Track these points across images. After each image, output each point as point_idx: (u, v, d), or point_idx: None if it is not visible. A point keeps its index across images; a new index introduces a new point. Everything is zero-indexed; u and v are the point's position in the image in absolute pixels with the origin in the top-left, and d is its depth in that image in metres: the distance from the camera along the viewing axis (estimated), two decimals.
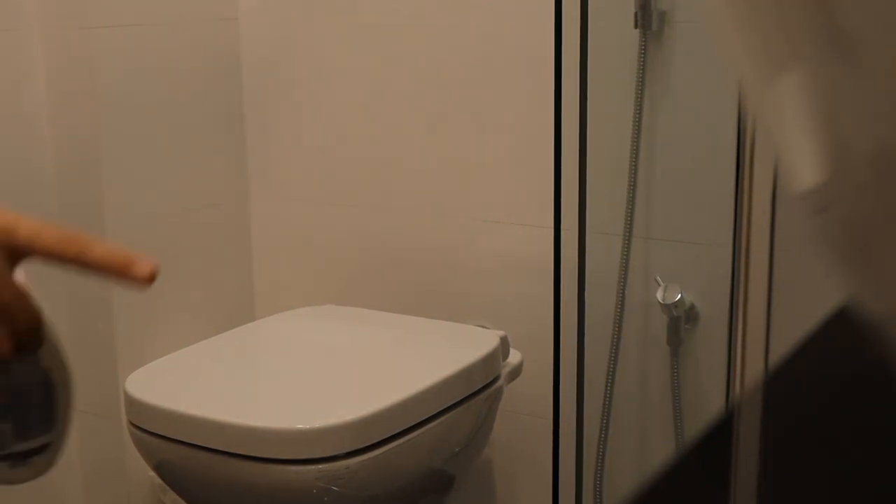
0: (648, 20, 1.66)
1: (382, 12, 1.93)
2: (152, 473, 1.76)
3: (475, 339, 1.79)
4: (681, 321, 1.71)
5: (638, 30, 1.67)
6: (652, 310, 1.73)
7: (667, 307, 1.70)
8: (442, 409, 1.63)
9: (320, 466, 1.50)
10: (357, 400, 1.58)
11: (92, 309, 1.88)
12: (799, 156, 0.39)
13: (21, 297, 0.83)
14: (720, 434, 0.71)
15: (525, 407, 1.89)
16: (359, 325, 1.92)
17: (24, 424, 0.92)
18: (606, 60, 1.65)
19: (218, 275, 2.09)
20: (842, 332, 0.74)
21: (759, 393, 0.83)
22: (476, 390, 1.70)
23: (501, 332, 1.81)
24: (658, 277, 1.72)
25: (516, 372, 1.83)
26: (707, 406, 1.72)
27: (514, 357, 1.83)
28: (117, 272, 0.82)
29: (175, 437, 1.58)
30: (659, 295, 1.70)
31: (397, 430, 1.56)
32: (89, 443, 1.97)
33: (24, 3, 1.81)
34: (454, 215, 1.93)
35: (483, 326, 1.88)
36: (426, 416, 1.61)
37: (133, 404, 1.64)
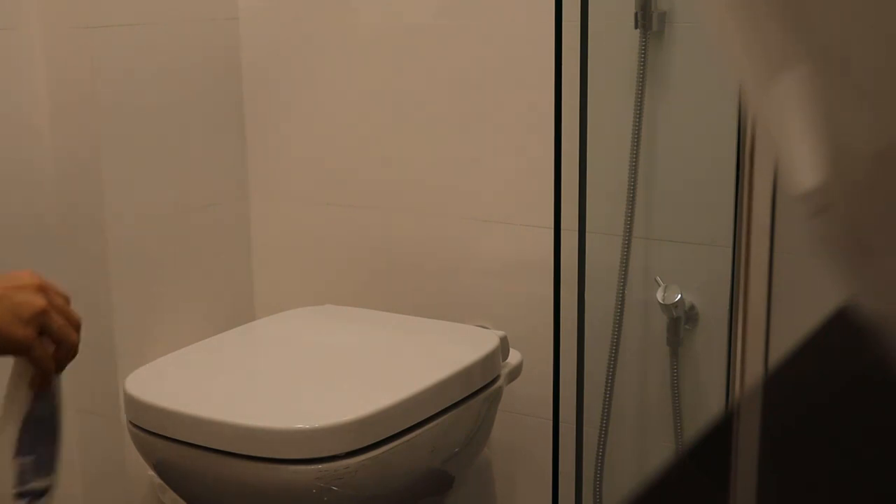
0: (648, 20, 1.66)
1: (382, 12, 1.93)
2: (152, 473, 1.76)
3: (475, 339, 1.79)
4: (681, 321, 1.71)
5: (638, 30, 1.67)
6: (652, 310, 1.73)
7: (667, 307, 1.70)
8: (441, 409, 1.63)
9: (320, 466, 1.50)
10: (357, 400, 1.58)
11: (92, 309, 1.88)
12: (799, 156, 0.39)
13: (75, 332, 0.98)
14: (720, 434, 0.71)
15: (525, 407, 1.89)
16: (359, 325, 1.92)
17: (41, 461, 0.97)
18: (606, 60, 1.65)
19: (218, 275, 2.09)
20: (842, 332, 0.74)
21: (759, 393, 0.83)
22: (476, 390, 1.70)
23: (501, 333, 1.81)
24: (658, 277, 1.72)
25: (516, 372, 1.83)
26: (707, 406, 1.72)
27: (514, 357, 1.83)
28: None
29: (175, 437, 1.58)
30: (659, 295, 1.70)
31: (397, 430, 1.56)
32: (89, 442, 1.97)
33: (24, 3, 1.81)
34: (454, 215, 1.93)
35: (483, 326, 1.88)
36: (426, 417, 1.61)
37: (133, 404, 1.64)
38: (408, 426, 1.58)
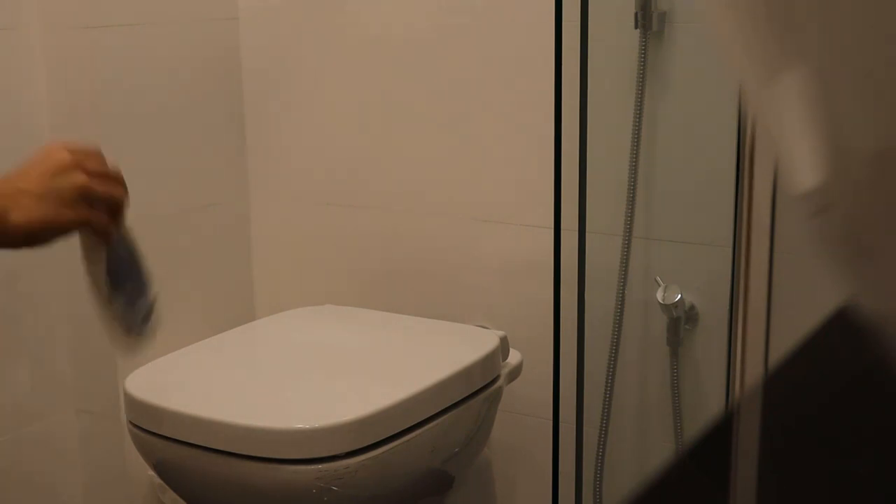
0: (648, 20, 1.66)
1: (382, 12, 1.93)
2: (152, 473, 1.76)
3: (475, 339, 1.79)
4: (680, 321, 1.71)
5: (638, 30, 1.67)
6: (652, 310, 1.73)
7: (667, 307, 1.70)
8: (441, 409, 1.63)
9: (320, 466, 1.50)
10: (357, 400, 1.58)
11: (92, 308, 1.88)
12: (799, 156, 0.39)
13: (119, 185, 1.11)
14: (720, 434, 0.71)
15: (525, 407, 1.89)
16: (359, 325, 1.92)
17: (137, 285, 1.08)
18: (606, 60, 1.65)
19: (218, 275, 2.09)
20: (842, 332, 0.74)
21: (759, 393, 0.83)
22: (476, 390, 1.70)
23: (501, 333, 1.81)
24: (658, 277, 1.72)
25: (516, 372, 1.83)
26: (707, 406, 1.72)
27: (514, 357, 1.83)
28: None
29: (175, 437, 1.58)
30: (659, 295, 1.70)
31: (397, 430, 1.56)
32: (89, 442, 1.97)
33: (24, 3, 1.81)
34: (454, 215, 1.93)
35: (483, 326, 1.88)
36: (426, 417, 1.61)
37: (133, 404, 1.64)
38: (408, 426, 1.58)
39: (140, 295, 1.13)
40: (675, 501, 0.63)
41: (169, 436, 1.59)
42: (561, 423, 1.60)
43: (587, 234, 1.56)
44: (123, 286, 1.11)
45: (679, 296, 1.69)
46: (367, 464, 1.52)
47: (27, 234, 1.04)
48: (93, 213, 1.08)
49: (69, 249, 1.96)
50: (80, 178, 1.07)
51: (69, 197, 1.06)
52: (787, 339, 0.79)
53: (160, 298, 1.15)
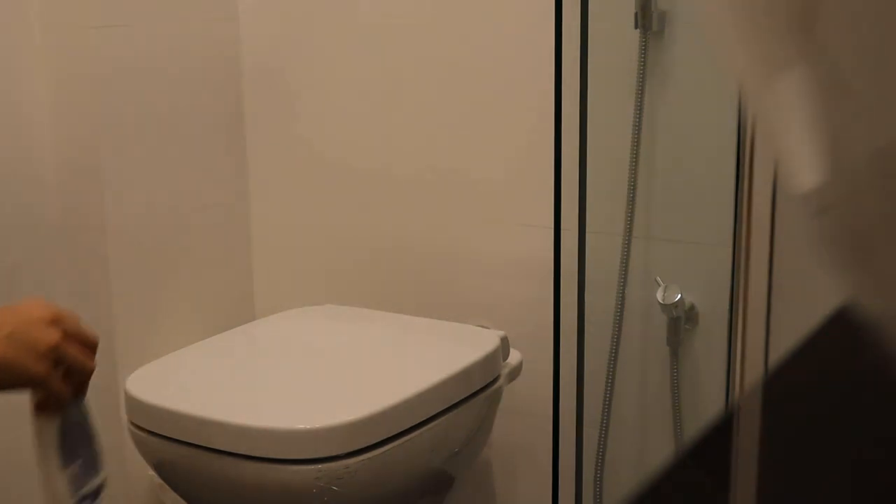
0: (648, 20, 1.66)
1: (382, 12, 1.93)
2: (152, 473, 1.76)
3: (475, 339, 1.79)
4: (680, 321, 1.71)
5: (638, 30, 1.67)
6: (652, 310, 1.73)
7: (667, 307, 1.70)
8: (442, 409, 1.63)
9: (320, 466, 1.50)
10: (357, 400, 1.58)
11: (92, 308, 1.88)
12: (799, 157, 0.39)
13: (91, 354, 1.01)
14: (720, 434, 0.71)
15: (525, 407, 1.89)
16: (359, 325, 1.92)
17: (88, 461, 1.02)
18: (606, 60, 1.65)
19: (218, 275, 2.09)
20: (842, 332, 0.74)
21: (759, 393, 0.83)
22: (476, 390, 1.70)
23: (501, 332, 1.81)
24: (658, 277, 1.72)
25: (516, 372, 1.83)
26: (707, 406, 1.72)
27: (514, 357, 1.83)
28: None
29: (175, 437, 1.58)
30: (659, 295, 1.70)
31: (397, 431, 1.56)
32: None
33: (24, 3, 1.81)
34: (454, 215, 1.93)
35: (483, 326, 1.88)
36: (426, 417, 1.61)
37: (133, 404, 1.64)
38: (408, 426, 1.58)
39: (89, 474, 1.07)
40: (675, 501, 0.63)
41: (169, 436, 1.59)
42: (561, 423, 1.60)
43: (587, 234, 1.56)
44: (73, 460, 1.06)
45: (679, 296, 1.69)
46: (367, 464, 1.52)
47: None
48: (54, 373, 1.04)
49: (70, 247, 1.96)
50: (54, 336, 1.03)
51: (39, 350, 1.02)
52: (787, 339, 0.79)
53: (108, 479, 1.08)
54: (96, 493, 1.07)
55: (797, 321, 0.81)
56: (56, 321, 1.04)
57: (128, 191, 1.89)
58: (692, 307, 1.72)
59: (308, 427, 1.52)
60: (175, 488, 1.70)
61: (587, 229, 1.56)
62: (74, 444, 1.06)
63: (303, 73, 2.03)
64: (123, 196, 1.89)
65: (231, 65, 2.06)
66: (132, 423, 1.64)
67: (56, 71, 1.84)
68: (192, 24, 1.97)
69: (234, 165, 2.09)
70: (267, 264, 2.15)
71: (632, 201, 1.72)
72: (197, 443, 1.56)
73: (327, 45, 1.99)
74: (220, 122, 2.06)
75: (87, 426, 1.07)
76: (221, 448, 1.54)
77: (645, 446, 1.83)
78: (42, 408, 1.07)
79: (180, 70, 1.96)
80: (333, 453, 1.50)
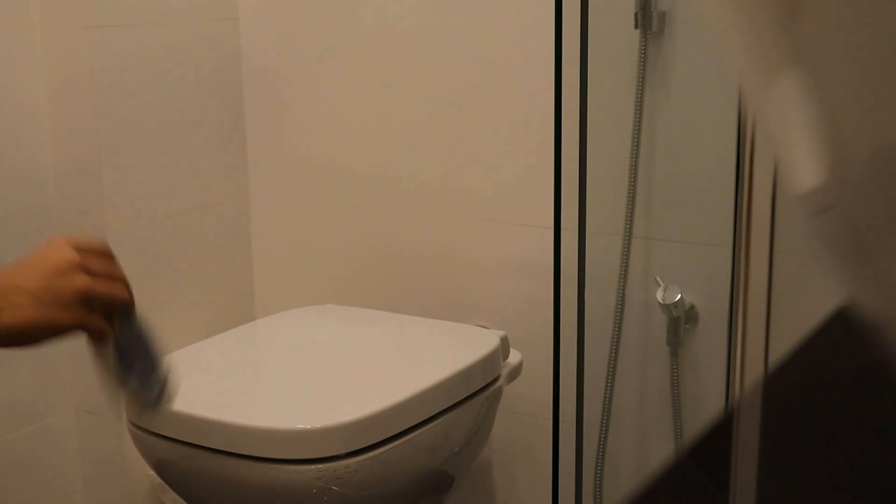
0: (648, 20, 1.66)
1: (383, 12, 1.93)
2: (152, 473, 1.76)
3: (475, 339, 1.79)
4: (680, 321, 1.71)
5: (638, 30, 1.67)
6: (652, 310, 1.73)
7: (666, 307, 1.70)
8: (442, 409, 1.63)
9: (320, 466, 1.50)
10: (357, 400, 1.58)
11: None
12: (799, 157, 0.39)
13: (123, 285, 1.06)
14: (720, 434, 0.71)
15: (525, 407, 1.89)
16: (359, 325, 1.92)
17: (147, 363, 1.09)
18: (606, 60, 1.65)
19: (218, 275, 2.09)
20: (842, 332, 0.74)
21: (759, 393, 0.83)
22: (476, 390, 1.70)
23: (501, 332, 1.81)
24: (658, 277, 1.72)
25: (516, 372, 1.83)
26: (707, 406, 1.72)
27: (514, 357, 1.83)
28: None
29: (175, 437, 1.58)
30: (659, 295, 1.70)
31: (397, 431, 1.56)
32: (89, 442, 1.97)
33: (24, 3, 1.81)
34: (454, 215, 1.93)
35: (483, 326, 1.88)
36: (426, 417, 1.61)
37: (133, 404, 1.64)
38: (408, 426, 1.58)
39: (151, 371, 1.10)
40: (675, 501, 0.63)
41: (169, 436, 1.59)
42: (561, 423, 1.60)
43: (587, 234, 1.56)
44: (134, 366, 1.09)
45: (679, 296, 1.69)
46: (367, 464, 1.52)
47: (18, 334, 0.99)
48: (89, 316, 1.03)
49: None
50: (82, 281, 1.01)
51: (67, 300, 1.00)
52: (787, 339, 0.79)
53: (172, 370, 1.11)
54: (163, 386, 1.10)
55: (797, 321, 0.81)
56: (82, 264, 1.02)
57: (128, 191, 1.89)
58: (692, 307, 1.72)
59: (308, 427, 1.52)
60: (175, 488, 1.70)
61: (587, 229, 1.55)
62: (131, 357, 1.08)
63: (302, 74, 2.03)
64: (123, 196, 1.89)
65: (231, 65, 2.06)
66: (132, 423, 1.64)
67: (56, 71, 1.84)
68: (193, 24, 1.97)
69: (234, 166, 2.09)
70: (267, 264, 2.15)
71: (632, 201, 1.72)
72: (197, 443, 1.56)
73: (327, 45, 1.99)
74: (220, 122, 2.06)
75: (141, 336, 1.10)
76: (221, 448, 1.54)
77: (645, 446, 1.83)
78: (93, 339, 1.06)
79: (180, 71, 1.96)
80: (333, 453, 1.50)
